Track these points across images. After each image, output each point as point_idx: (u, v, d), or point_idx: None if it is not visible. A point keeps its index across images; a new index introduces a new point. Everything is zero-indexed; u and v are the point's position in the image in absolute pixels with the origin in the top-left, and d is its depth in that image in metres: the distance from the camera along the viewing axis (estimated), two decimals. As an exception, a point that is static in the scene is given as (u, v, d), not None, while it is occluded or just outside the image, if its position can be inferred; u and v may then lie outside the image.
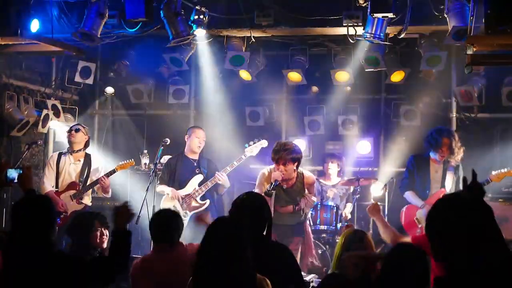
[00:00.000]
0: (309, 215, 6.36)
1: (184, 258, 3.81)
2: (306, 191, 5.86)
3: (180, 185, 6.49)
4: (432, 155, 6.28)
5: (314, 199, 5.96)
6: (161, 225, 4.08)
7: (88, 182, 6.58)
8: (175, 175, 6.56)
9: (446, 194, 4.16)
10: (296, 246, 5.76)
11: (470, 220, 2.23)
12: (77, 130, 6.63)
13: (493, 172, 6.27)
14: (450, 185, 6.25)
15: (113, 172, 6.66)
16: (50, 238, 3.30)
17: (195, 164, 6.58)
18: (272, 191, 5.50)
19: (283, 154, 5.61)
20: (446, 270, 2.30)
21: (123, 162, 6.74)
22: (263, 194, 5.25)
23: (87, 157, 6.68)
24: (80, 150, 6.62)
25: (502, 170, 6.25)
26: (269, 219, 3.73)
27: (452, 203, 2.33)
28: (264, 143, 6.57)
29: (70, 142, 6.65)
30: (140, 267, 4.04)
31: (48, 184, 6.55)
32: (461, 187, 6.08)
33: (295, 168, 5.74)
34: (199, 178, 6.49)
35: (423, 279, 2.94)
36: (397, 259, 3.02)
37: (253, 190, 5.54)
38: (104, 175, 6.56)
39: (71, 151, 6.62)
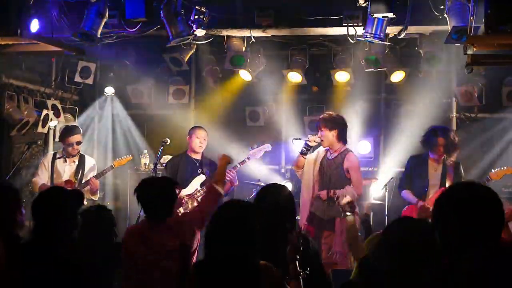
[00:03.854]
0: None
1: (176, 229, 3.82)
2: (346, 171, 5.84)
3: (182, 185, 6.47)
4: (430, 154, 6.30)
5: (351, 190, 5.67)
6: (153, 198, 3.88)
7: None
8: (177, 175, 6.55)
9: (460, 182, 4.17)
10: (325, 240, 5.74)
11: (475, 212, 2.21)
12: (78, 143, 6.63)
13: (493, 170, 6.28)
14: (450, 184, 6.26)
15: (110, 168, 6.68)
16: (71, 237, 3.22)
17: (198, 164, 6.57)
18: (304, 149, 5.91)
19: (320, 120, 5.98)
20: (448, 260, 2.28)
21: (120, 158, 6.76)
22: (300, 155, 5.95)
23: (82, 158, 6.70)
24: (76, 154, 6.64)
25: (502, 168, 6.26)
26: (291, 211, 3.75)
27: (463, 191, 2.30)
28: (267, 147, 6.56)
29: (67, 151, 6.61)
30: (135, 236, 3.93)
31: (41, 181, 6.55)
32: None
33: (335, 136, 5.88)
34: (201, 178, 6.48)
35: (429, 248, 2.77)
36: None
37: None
38: (102, 171, 6.62)
39: (66, 156, 6.63)
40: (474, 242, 2.20)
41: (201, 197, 6.22)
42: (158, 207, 3.89)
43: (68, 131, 6.73)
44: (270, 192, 3.79)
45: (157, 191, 3.91)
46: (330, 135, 5.86)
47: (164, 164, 6.91)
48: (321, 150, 6.04)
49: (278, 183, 4.38)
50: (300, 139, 5.93)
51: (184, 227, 3.97)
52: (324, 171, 5.87)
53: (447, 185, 6.24)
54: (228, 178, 6.34)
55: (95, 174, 6.64)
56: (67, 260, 3.13)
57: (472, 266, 2.12)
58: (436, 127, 6.40)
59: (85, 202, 6.53)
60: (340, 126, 5.89)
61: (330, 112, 6.23)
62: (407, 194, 6.30)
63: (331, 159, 5.91)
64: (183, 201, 6.35)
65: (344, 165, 5.83)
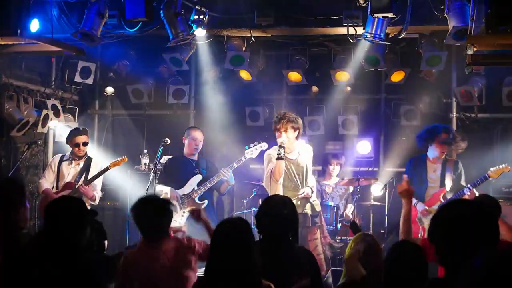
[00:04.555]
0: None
1: (173, 253, 3.79)
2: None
3: (179, 185, 6.48)
4: (430, 154, 6.33)
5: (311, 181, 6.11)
6: (150, 217, 3.82)
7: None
8: (173, 176, 6.56)
9: (454, 200, 4.19)
10: (314, 235, 5.87)
11: (473, 228, 2.25)
12: (85, 144, 6.63)
13: (491, 169, 6.22)
14: (450, 184, 6.28)
15: (106, 169, 6.67)
16: (81, 242, 3.19)
17: (194, 165, 6.59)
18: (283, 152, 5.68)
19: (284, 122, 5.80)
20: (445, 273, 2.32)
21: (116, 160, 6.77)
22: (275, 161, 5.65)
23: (88, 161, 6.71)
24: (83, 156, 6.65)
25: (500, 166, 6.19)
26: (294, 224, 3.71)
27: (459, 210, 2.35)
28: (264, 145, 6.55)
29: (74, 153, 6.65)
30: (132, 262, 3.87)
31: (46, 184, 6.57)
32: (461, 184, 6.20)
33: (295, 136, 5.89)
34: (198, 178, 6.49)
35: (420, 273, 2.94)
36: (395, 255, 3.05)
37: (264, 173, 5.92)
38: (98, 173, 6.59)
39: (72, 158, 6.65)
40: (471, 256, 2.24)
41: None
42: (156, 226, 3.84)
43: (74, 131, 6.78)
44: (271, 204, 3.77)
45: (155, 210, 3.85)
46: (293, 136, 5.87)
47: (163, 165, 6.91)
48: (271, 153, 5.92)
49: (279, 194, 4.39)
50: (281, 147, 5.88)
51: (187, 255, 3.89)
52: (294, 172, 5.89)
53: (447, 184, 6.27)
54: (224, 178, 6.36)
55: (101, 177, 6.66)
56: (75, 264, 3.13)
57: (470, 277, 2.16)
58: (438, 124, 6.45)
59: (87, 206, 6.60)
60: (301, 127, 5.98)
61: (290, 112, 6.08)
62: None
63: (295, 158, 5.94)
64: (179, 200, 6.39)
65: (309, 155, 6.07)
